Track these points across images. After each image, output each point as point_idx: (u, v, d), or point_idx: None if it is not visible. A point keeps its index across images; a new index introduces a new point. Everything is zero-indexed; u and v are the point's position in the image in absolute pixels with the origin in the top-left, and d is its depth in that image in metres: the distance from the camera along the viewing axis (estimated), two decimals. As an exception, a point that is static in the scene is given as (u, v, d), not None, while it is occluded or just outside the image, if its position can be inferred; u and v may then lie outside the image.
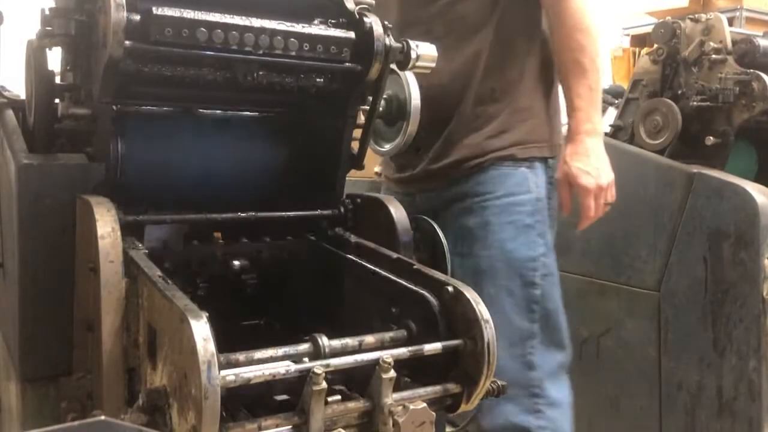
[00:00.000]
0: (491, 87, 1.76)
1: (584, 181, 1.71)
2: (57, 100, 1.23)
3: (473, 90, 1.75)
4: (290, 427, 0.91)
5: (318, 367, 0.91)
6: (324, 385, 0.91)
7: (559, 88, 1.83)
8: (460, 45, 1.75)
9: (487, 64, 1.75)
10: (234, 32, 1.12)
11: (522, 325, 1.72)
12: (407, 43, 1.29)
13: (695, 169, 2.33)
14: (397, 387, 1.00)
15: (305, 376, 0.93)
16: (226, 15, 1.12)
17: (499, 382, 1.09)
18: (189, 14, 1.09)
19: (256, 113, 1.43)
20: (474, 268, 1.72)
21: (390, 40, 1.24)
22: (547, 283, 1.76)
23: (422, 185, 1.84)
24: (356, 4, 1.29)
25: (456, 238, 1.70)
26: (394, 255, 1.21)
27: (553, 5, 1.74)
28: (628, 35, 5.67)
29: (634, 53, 5.27)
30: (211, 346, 0.83)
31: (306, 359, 0.98)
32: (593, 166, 1.72)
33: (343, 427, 0.95)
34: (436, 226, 1.38)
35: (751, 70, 2.40)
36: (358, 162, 1.39)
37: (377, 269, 1.20)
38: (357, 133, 1.38)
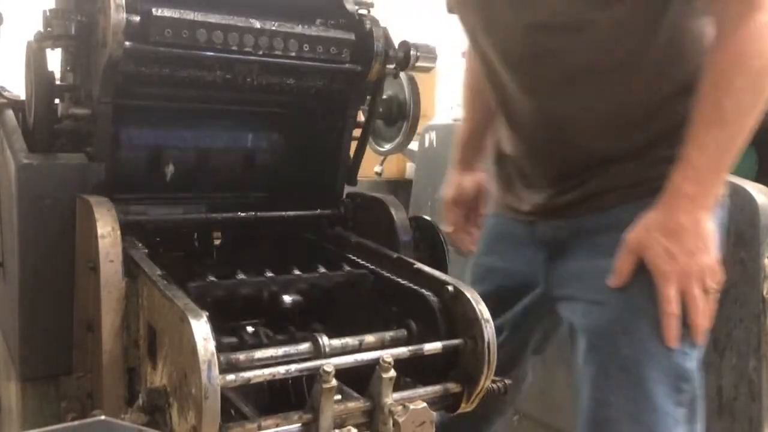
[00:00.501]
0: (644, 132, 1.34)
1: (664, 265, 1.23)
2: (57, 100, 1.23)
3: (617, 128, 1.35)
4: (300, 425, 0.91)
5: (328, 365, 0.91)
6: (334, 382, 0.91)
7: None
8: (603, 84, 1.33)
9: (639, 105, 1.33)
10: (234, 33, 1.13)
11: (665, 407, 1.29)
12: (407, 44, 1.30)
13: (695, 169, 2.33)
14: (397, 386, 1.00)
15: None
16: (225, 16, 1.13)
17: (506, 381, 1.09)
18: (189, 15, 1.09)
19: (257, 114, 1.43)
20: (606, 320, 1.32)
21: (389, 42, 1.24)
22: (698, 354, 1.34)
23: (546, 214, 1.46)
24: (356, 4, 1.29)
25: (583, 278, 1.38)
26: (394, 255, 1.21)
27: (724, 24, 1.25)
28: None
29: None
30: (211, 346, 0.83)
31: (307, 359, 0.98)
32: (685, 247, 1.22)
33: (343, 427, 0.95)
34: (436, 226, 1.37)
35: (751, 70, 2.40)
36: (351, 178, 1.37)
37: (377, 269, 1.20)
38: (356, 132, 1.38)
